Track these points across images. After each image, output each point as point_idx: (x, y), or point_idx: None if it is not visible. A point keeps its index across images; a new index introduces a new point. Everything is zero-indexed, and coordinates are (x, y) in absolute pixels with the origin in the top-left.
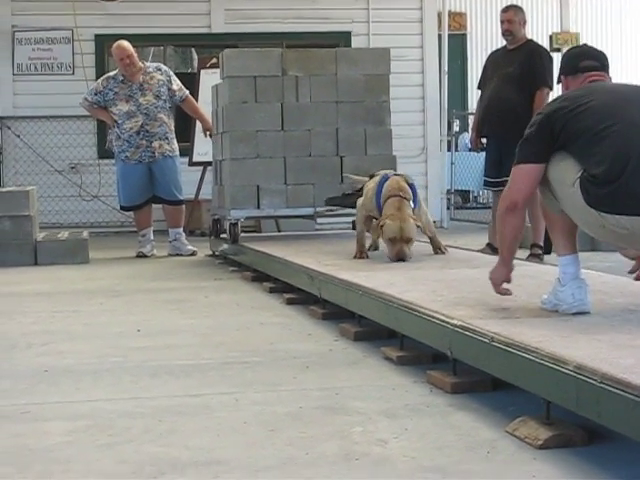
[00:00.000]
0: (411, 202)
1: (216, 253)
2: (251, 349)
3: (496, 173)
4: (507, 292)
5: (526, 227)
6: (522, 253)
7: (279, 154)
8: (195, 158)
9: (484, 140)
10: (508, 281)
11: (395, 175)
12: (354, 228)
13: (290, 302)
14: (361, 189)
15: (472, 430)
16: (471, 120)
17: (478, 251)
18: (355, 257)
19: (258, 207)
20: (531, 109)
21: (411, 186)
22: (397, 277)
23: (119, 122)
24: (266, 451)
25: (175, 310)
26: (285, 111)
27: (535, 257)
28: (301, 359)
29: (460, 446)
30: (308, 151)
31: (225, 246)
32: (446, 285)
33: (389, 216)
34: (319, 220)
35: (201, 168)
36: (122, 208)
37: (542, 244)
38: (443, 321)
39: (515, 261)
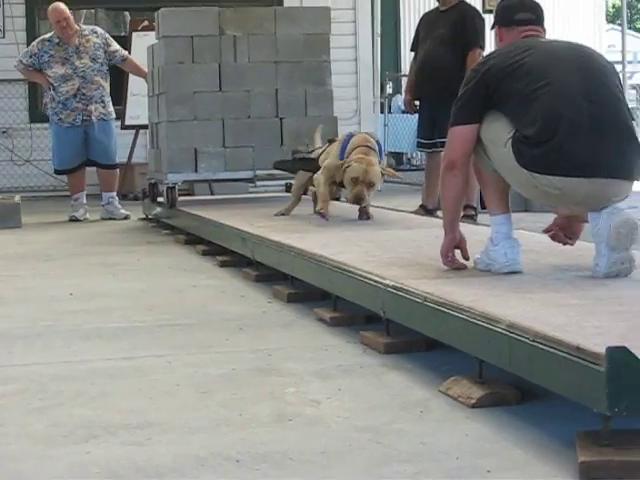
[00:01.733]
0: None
1: (149, 217)
2: (184, 312)
3: (429, 134)
4: (457, 264)
5: None
6: None
7: (217, 116)
8: (127, 121)
9: (417, 103)
10: (459, 248)
11: (360, 133)
12: (288, 191)
13: (223, 264)
14: (312, 152)
15: (405, 390)
16: (404, 82)
17: (411, 212)
18: (319, 211)
19: (196, 171)
20: (464, 70)
21: (377, 143)
22: (331, 238)
23: (55, 85)
24: (199, 413)
25: (107, 274)
26: (223, 72)
27: (468, 218)
28: (234, 321)
29: (393, 406)
30: (247, 113)
31: (159, 209)
32: (379, 246)
33: (355, 159)
34: (254, 184)
35: (133, 131)
36: (56, 172)
37: (474, 205)
38: (376, 282)
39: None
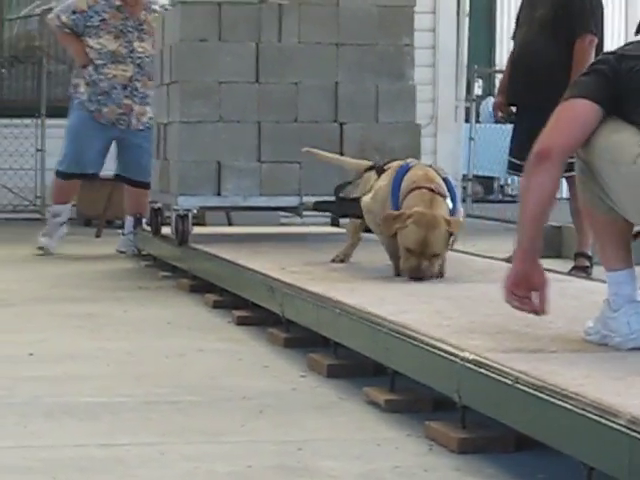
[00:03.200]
0: (448, 201)
1: (142, 252)
2: (185, 385)
3: (525, 154)
4: (531, 306)
5: (567, 228)
6: (563, 265)
7: (251, 117)
8: None
9: (513, 108)
10: (536, 286)
11: (420, 164)
12: (335, 224)
13: (241, 322)
14: (359, 178)
15: None
16: (499, 81)
17: (503, 260)
18: (399, 275)
19: (219, 194)
20: (570, 67)
21: (445, 181)
22: (390, 292)
23: (97, 63)
24: None
25: (82, 328)
26: (262, 55)
27: (581, 270)
28: (253, 400)
29: None
30: (294, 114)
31: (163, 246)
32: (457, 305)
33: (415, 215)
34: (299, 215)
35: None
36: (62, 175)
37: (590, 253)
38: (450, 354)
39: (553, 274)
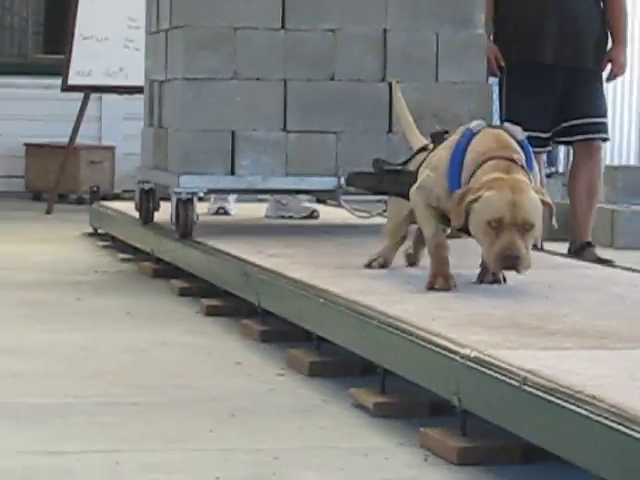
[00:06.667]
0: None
1: (99, 231)
2: (145, 384)
3: (550, 123)
4: None
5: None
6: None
7: (275, 74)
8: (72, 80)
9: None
10: None
11: (490, 127)
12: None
13: (211, 312)
14: (411, 160)
15: None
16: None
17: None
18: (434, 287)
19: (232, 172)
20: (604, 23)
21: (521, 144)
22: (382, 280)
23: None
24: None
25: (29, 318)
26: None
27: (601, 261)
28: (223, 402)
29: None
30: (330, 71)
31: (156, 239)
32: (457, 295)
33: (490, 182)
34: (337, 201)
35: (81, 96)
36: None
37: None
38: (449, 350)
39: (569, 261)
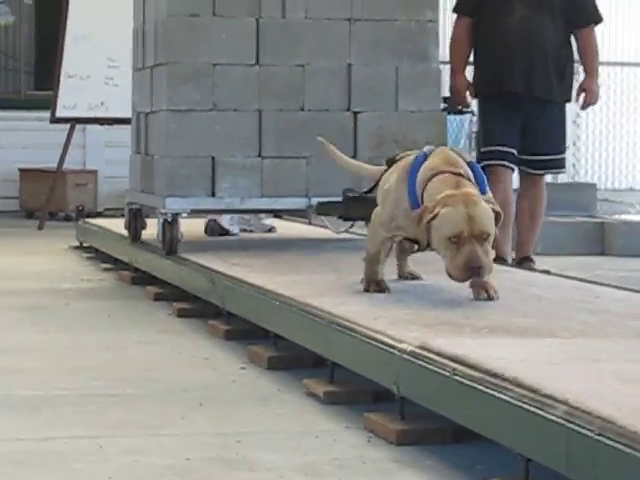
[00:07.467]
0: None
1: (84, 244)
2: (124, 378)
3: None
4: None
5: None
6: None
7: (250, 105)
8: (60, 112)
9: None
10: None
11: (439, 150)
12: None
13: (182, 314)
14: (374, 188)
15: None
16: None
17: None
18: (368, 290)
19: (213, 194)
20: (573, 59)
21: (470, 165)
22: (331, 284)
23: None
24: None
25: (23, 321)
26: (262, 33)
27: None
28: (193, 393)
29: None
30: (300, 102)
31: (144, 256)
32: (396, 297)
33: (444, 199)
34: (308, 220)
35: (67, 126)
36: None
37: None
38: (389, 345)
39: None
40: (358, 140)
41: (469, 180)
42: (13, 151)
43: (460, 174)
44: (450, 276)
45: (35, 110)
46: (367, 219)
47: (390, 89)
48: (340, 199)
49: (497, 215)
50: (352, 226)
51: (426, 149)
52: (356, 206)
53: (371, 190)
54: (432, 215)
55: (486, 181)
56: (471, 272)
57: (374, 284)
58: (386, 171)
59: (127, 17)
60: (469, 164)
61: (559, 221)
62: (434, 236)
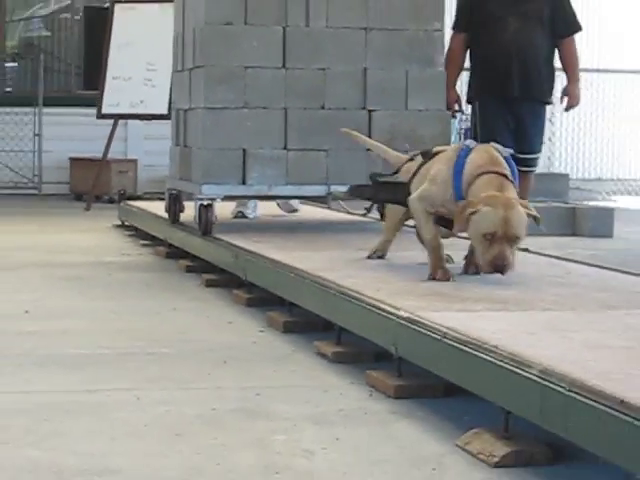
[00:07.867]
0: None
1: (125, 223)
2: (159, 339)
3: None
4: None
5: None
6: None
7: (277, 104)
8: (105, 109)
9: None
10: None
11: (480, 146)
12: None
13: (210, 284)
14: (398, 172)
15: (416, 443)
16: None
17: None
18: (435, 278)
19: (244, 182)
20: (553, 64)
21: (507, 161)
22: (339, 260)
23: None
24: (169, 460)
25: (72, 289)
26: (289, 40)
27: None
28: (218, 352)
29: (401, 461)
30: (321, 101)
31: (182, 235)
32: (396, 271)
33: (487, 199)
34: (328, 205)
35: (112, 121)
36: None
37: None
38: (388, 312)
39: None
40: (372, 135)
41: (512, 182)
42: (65, 142)
43: (505, 175)
44: (476, 265)
45: (84, 107)
46: (396, 202)
47: (401, 90)
48: (369, 183)
49: (535, 218)
50: (369, 211)
51: (468, 142)
52: (384, 189)
53: (395, 173)
54: (473, 210)
55: (517, 174)
56: (496, 268)
57: (441, 271)
58: (424, 163)
59: (163, 28)
60: (505, 159)
61: (536, 206)
62: (471, 229)
